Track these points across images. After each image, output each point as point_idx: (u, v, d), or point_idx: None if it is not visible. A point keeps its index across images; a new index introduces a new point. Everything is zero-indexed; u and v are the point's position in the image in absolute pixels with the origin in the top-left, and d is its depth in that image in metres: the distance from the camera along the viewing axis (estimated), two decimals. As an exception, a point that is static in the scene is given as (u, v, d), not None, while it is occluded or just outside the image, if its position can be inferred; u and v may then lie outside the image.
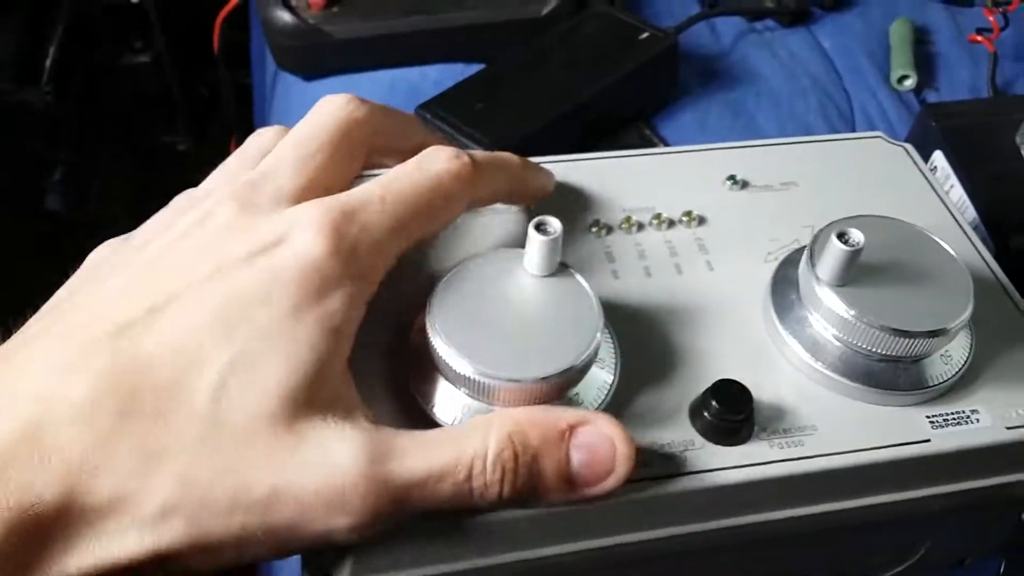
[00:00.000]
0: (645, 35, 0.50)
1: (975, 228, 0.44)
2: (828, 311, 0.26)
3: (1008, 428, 0.26)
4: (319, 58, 0.53)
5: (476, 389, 0.24)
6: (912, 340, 0.25)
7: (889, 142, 0.35)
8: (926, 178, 0.33)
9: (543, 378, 0.23)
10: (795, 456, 0.25)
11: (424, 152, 0.26)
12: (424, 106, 0.48)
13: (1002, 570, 0.32)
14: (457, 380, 0.24)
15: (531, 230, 0.25)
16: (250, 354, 0.21)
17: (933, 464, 0.26)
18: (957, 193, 0.44)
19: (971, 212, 0.43)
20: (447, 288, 0.25)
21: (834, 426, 0.26)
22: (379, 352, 0.26)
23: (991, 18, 0.56)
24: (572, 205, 0.31)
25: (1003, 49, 0.57)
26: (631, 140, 0.50)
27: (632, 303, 0.28)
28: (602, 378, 0.25)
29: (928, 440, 0.26)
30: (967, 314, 0.26)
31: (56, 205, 1.10)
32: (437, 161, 0.26)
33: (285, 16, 0.51)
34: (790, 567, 0.30)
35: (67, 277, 0.26)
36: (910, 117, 0.55)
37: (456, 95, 0.48)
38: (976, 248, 0.31)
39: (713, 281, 0.29)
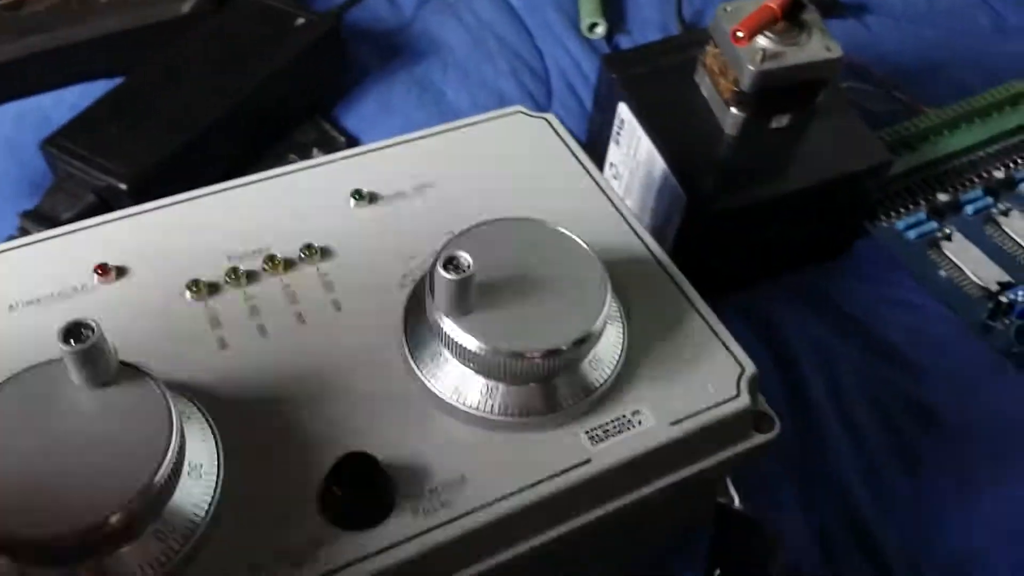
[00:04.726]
0: (301, 20, 0.45)
1: (666, 179, 0.43)
2: (457, 347, 0.23)
3: (673, 424, 0.24)
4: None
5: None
6: (541, 362, 0.22)
7: (529, 115, 0.32)
8: (571, 151, 0.31)
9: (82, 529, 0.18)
10: (441, 521, 0.22)
11: None
12: (50, 141, 0.40)
13: None
14: None
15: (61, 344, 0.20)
16: None
17: (601, 482, 0.24)
18: (646, 145, 0.43)
19: (660, 163, 0.42)
20: None
21: (484, 471, 0.23)
22: None
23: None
24: (155, 264, 0.26)
25: (685, -21, 0.56)
26: (308, 137, 0.45)
27: (246, 375, 0.24)
28: (199, 495, 0.21)
29: (588, 460, 0.23)
30: (599, 321, 0.23)
31: None
32: None
33: None
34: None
35: None
36: (604, 65, 0.54)
37: (86, 122, 0.41)
38: (629, 224, 0.29)
39: (342, 324, 0.25)
